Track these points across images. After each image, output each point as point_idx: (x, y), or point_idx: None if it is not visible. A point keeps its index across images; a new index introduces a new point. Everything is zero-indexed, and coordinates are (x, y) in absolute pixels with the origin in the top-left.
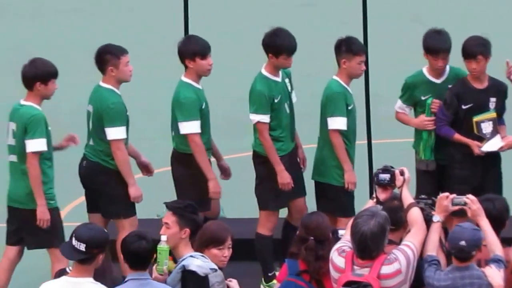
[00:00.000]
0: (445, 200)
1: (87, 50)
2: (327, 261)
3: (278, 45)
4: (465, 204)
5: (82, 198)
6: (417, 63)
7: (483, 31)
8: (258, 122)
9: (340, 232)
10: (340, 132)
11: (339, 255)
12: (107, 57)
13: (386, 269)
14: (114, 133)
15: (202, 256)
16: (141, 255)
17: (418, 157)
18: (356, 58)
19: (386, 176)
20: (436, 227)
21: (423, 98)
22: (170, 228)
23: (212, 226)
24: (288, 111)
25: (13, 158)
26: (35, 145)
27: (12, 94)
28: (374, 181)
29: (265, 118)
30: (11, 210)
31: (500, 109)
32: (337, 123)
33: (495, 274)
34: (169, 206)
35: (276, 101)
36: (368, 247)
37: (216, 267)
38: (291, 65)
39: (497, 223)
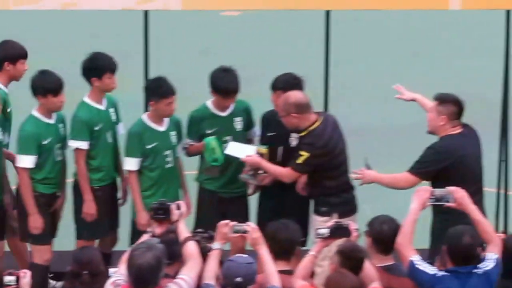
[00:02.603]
0: (225, 227)
1: None
2: None
3: (100, 65)
4: (246, 231)
5: None
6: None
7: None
8: (77, 148)
9: (111, 270)
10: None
11: None
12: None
13: None
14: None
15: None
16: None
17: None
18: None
19: (160, 211)
20: (215, 255)
21: (208, 131)
22: None
23: None
24: (110, 140)
25: None
26: None
27: None
28: (150, 215)
29: (83, 145)
30: None
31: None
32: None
33: None
34: None
35: (96, 129)
36: (144, 280)
37: None
38: (116, 85)
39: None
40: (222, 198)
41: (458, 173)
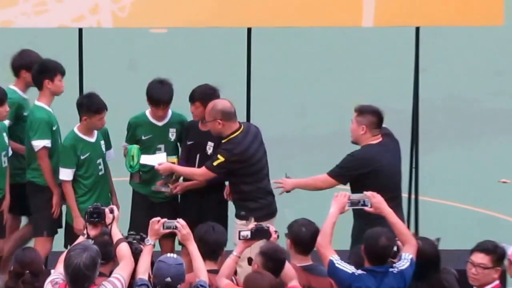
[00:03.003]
0: (157, 224)
1: None
2: None
3: (52, 67)
4: (176, 227)
5: None
6: (140, 107)
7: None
8: (44, 147)
9: (52, 270)
10: None
11: (53, 287)
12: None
13: None
14: None
15: None
16: None
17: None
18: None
19: (95, 215)
20: (147, 250)
21: (143, 137)
22: None
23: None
24: (60, 142)
25: None
26: None
27: None
28: (85, 219)
29: (49, 143)
30: None
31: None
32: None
33: None
34: None
35: (54, 129)
36: (81, 279)
37: None
38: (64, 89)
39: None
40: (153, 203)
41: (374, 181)
